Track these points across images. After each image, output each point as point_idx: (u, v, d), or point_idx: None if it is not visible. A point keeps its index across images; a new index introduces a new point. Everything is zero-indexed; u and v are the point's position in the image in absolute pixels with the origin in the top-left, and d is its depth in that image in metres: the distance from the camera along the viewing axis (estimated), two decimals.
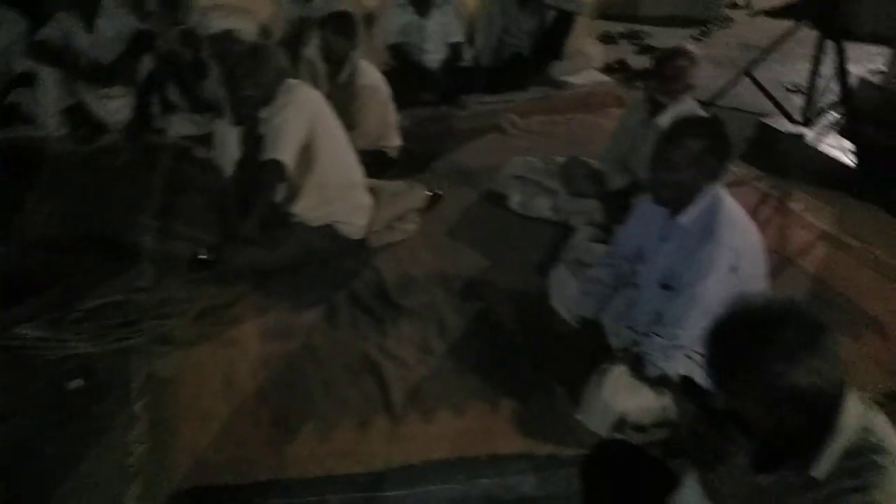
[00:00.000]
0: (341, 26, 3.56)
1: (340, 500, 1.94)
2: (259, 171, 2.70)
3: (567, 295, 2.52)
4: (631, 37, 6.86)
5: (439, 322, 2.68)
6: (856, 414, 1.13)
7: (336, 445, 2.11)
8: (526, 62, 4.96)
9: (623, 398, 2.06)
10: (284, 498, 1.94)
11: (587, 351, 2.35)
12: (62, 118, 4.11)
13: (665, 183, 2.05)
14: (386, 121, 3.75)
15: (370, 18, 4.93)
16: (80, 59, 4.11)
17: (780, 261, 3.11)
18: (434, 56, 4.80)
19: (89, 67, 4.11)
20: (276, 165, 2.66)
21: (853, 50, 5.06)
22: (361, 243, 3.08)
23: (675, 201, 2.09)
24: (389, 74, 4.63)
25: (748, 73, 4.23)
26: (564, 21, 4.92)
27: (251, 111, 2.87)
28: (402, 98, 4.54)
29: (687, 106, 2.87)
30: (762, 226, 3.38)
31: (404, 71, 4.72)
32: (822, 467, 1.11)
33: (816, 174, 3.84)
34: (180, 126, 4.15)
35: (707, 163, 2.00)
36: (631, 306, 2.33)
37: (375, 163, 3.68)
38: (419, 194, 3.36)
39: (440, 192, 3.58)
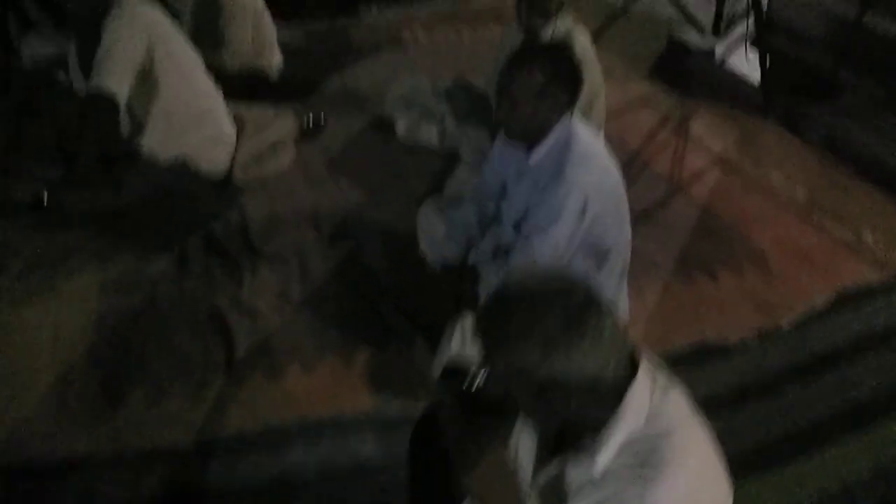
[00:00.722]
0: None
1: (161, 475, 1.79)
2: (86, 102, 2.38)
3: (434, 238, 2.34)
4: None
5: (302, 267, 2.49)
6: (642, 398, 1.00)
7: (166, 412, 1.95)
8: None
9: (471, 349, 1.92)
10: (100, 473, 1.78)
11: (451, 297, 2.20)
12: None
13: (509, 117, 1.84)
14: (261, 37, 3.38)
15: None
16: None
17: (671, 188, 2.98)
18: None
19: None
20: (103, 95, 2.34)
21: None
22: (224, 180, 2.82)
23: (525, 137, 1.89)
24: None
25: None
26: None
27: (85, 26, 2.51)
28: (292, 8, 4.20)
29: (564, 26, 2.61)
30: (658, 149, 3.28)
31: None
32: (602, 458, 0.99)
33: (723, 92, 3.68)
34: (39, 45, 3.69)
35: (552, 95, 1.79)
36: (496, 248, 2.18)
37: (252, 86, 3.37)
38: (289, 122, 3.08)
39: (322, 123, 3.31)
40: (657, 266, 2.57)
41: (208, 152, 2.71)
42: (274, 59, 3.50)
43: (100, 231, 2.55)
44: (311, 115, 3.30)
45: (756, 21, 3.62)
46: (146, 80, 2.51)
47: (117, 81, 2.36)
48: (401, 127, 3.21)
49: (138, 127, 2.60)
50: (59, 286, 2.35)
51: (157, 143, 2.63)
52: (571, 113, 1.86)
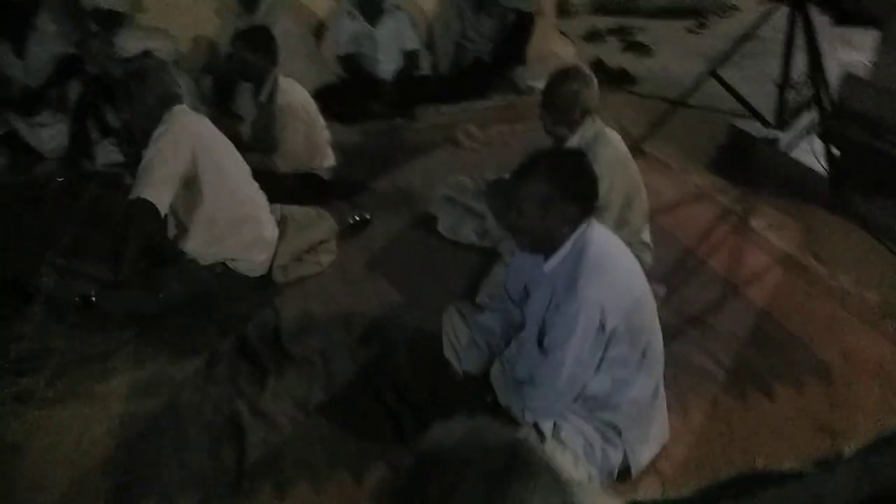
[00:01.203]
0: (256, 42, 3.32)
1: None
2: (127, 211, 2.49)
3: (457, 345, 2.25)
4: (620, 32, 6.48)
5: (327, 370, 2.44)
6: None
7: None
8: (487, 68, 4.66)
9: None
10: None
11: (474, 407, 2.08)
12: None
13: (516, 227, 1.77)
14: (313, 141, 3.50)
15: (321, 29, 4.70)
16: (10, 87, 3.98)
17: (726, 289, 2.77)
18: (387, 66, 4.54)
19: (20, 94, 3.97)
20: (143, 204, 2.44)
21: (841, 38, 4.64)
22: (263, 281, 2.85)
23: (535, 247, 1.81)
24: (340, 87, 4.48)
25: (713, 73, 3.84)
26: (524, 22, 4.61)
27: (140, 138, 2.67)
28: (353, 111, 4.37)
29: (592, 131, 2.54)
30: (715, 246, 3.09)
31: (356, 83, 4.50)
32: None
33: (787, 184, 3.46)
34: (112, 152, 3.99)
35: (559, 206, 1.70)
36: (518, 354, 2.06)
37: (302, 186, 3.47)
38: (331, 222, 3.12)
39: (367, 217, 3.35)
40: (706, 378, 2.35)
41: (247, 256, 2.77)
42: (326, 161, 3.60)
43: (139, 333, 2.62)
44: (356, 213, 3.35)
45: (821, 110, 3.44)
46: (190, 187, 2.62)
47: (156, 192, 2.46)
48: (443, 224, 3.19)
49: (182, 231, 2.70)
50: (91, 388, 2.39)
51: (200, 246, 2.71)
52: (587, 223, 1.77)
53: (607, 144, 2.51)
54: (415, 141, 4.25)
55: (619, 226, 2.55)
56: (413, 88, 4.54)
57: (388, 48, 4.51)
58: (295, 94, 3.39)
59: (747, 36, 3.82)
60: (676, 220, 3.29)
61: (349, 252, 3.14)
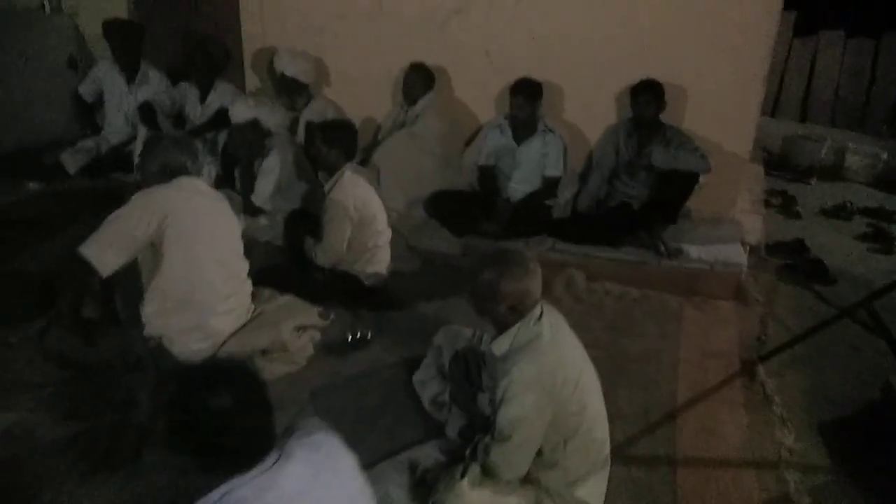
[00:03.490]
0: (335, 136, 3.29)
1: None
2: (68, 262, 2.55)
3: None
4: (876, 215, 5.15)
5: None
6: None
7: None
8: (631, 216, 3.99)
9: None
10: None
11: None
12: None
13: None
14: (361, 242, 3.31)
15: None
16: (186, 126, 4.55)
17: None
18: (520, 185, 4.17)
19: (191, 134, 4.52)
20: (81, 261, 2.47)
21: None
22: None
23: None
24: (465, 196, 4.23)
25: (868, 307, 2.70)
26: (685, 180, 3.86)
27: None
28: (464, 223, 4.08)
29: (525, 338, 2.02)
30: None
31: (483, 196, 4.22)
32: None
33: None
34: None
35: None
36: None
37: (335, 285, 3.31)
38: (304, 338, 2.89)
39: (367, 337, 3.04)
40: None
41: (183, 339, 2.65)
42: (371, 266, 3.38)
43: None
44: (359, 329, 3.07)
45: None
46: (155, 253, 2.61)
47: (100, 252, 2.48)
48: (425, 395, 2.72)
49: (139, 294, 2.69)
50: None
51: (151, 314, 2.68)
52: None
53: (533, 360, 1.89)
54: None
55: (545, 467, 1.97)
56: (538, 216, 4.09)
57: (526, 168, 4.15)
58: (352, 191, 3.25)
59: None
60: None
61: (321, 366, 2.87)
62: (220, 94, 4.50)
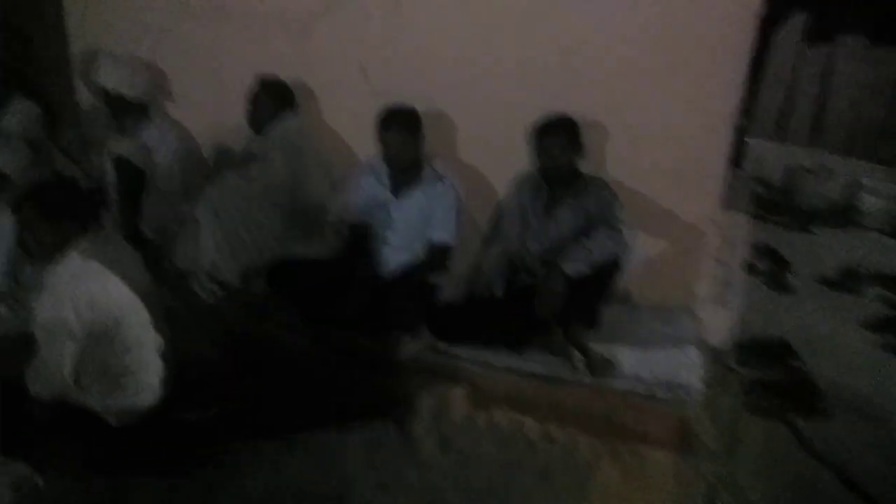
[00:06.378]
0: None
1: None
2: None
3: None
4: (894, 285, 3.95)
5: None
6: None
7: None
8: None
9: None
10: None
11: None
12: None
13: None
14: (98, 364, 2.18)
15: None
16: None
17: None
18: (395, 254, 3.01)
19: None
20: None
21: None
22: None
23: None
24: (322, 265, 3.07)
25: None
26: (603, 273, 2.65)
27: None
28: (322, 305, 2.93)
29: None
30: None
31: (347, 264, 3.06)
32: None
33: None
34: None
35: None
36: None
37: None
38: None
39: None
40: None
41: None
42: (121, 400, 2.24)
43: None
44: None
45: None
46: None
47: None
48: None
49: None
50: None
51: None
52: None
53: None
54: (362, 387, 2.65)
55: None
56: (415, 297, 2.92)
57: (405, 230, 2.99)
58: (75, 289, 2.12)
59: None
60: None
61: None
62: (15, 114, 3.36)
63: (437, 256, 2.99)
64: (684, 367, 2.71)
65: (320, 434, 2.46)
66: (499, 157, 3.11)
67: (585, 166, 2.79)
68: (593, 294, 2.68)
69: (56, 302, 2.12)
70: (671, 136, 2.84)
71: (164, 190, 3.43)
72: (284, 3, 3.22)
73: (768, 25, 3.13)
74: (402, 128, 2.87)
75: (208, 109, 3.58)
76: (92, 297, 2.13)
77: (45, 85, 3.81)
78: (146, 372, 2.30)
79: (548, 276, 2.61)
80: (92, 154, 3.66)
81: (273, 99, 3.19)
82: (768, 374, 3.00)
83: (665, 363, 2.72)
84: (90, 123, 3.85)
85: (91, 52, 3.66)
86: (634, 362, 2.72)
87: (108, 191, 3.36)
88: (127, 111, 3.48)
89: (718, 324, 3.01)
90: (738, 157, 4.16)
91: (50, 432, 2.20)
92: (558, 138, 2.68)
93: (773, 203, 5.30)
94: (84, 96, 3.86)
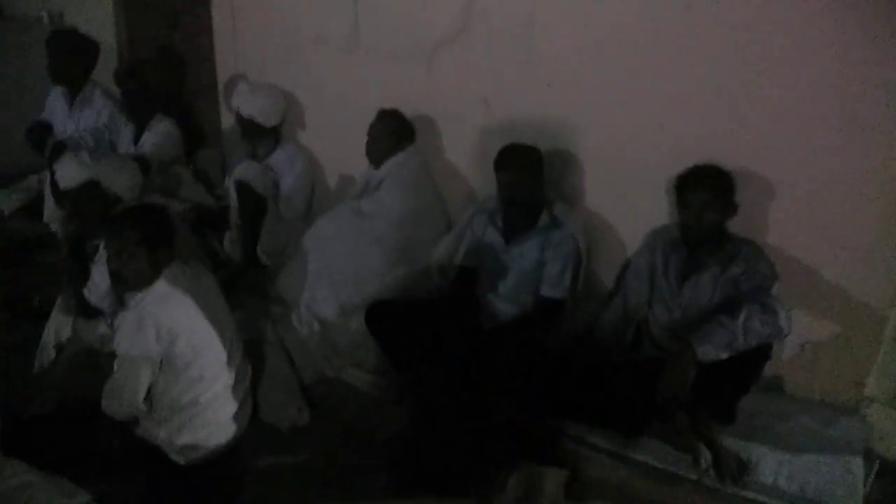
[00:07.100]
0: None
1: None
2: None
3: None
4: None
5: None
6: None
7: None
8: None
9: None
10: None
11: None
12: None
13: None
14: (171, 396, 2.09)
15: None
16: None
17: None
18: (504, 305, 2.71)
19: None
20: None
21: None
22: None
23: None
24: (423, 310, 2.84)
25: None
26: (749, 357, 2.14)
27: None
28: (415, 354, 2.71)
29: None
30: None
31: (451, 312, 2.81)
32: None
33: None
34: None
35: None
36: None
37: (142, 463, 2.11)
38: None
39: None
40: None
41: None
42: (188, 439, 2.13)
43: None
44: None
45: None
46: None
47: None
48: None
49: None
50: None
51: None
52: None
53: None
54: None
55: None
56: (519, 355, 2.60)
57: (516, 280, 2.70)
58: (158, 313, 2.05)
59: None
60: None
61: None
62: (154, 134, 3.51)
63: (547, 312, 2.67)
64: (842, 482, 2.15)
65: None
66: (632, 207, 2.72)
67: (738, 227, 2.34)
68: (732, 384, 2.21)
69: (139, 325, 2.06)
70: (843, 190, 2.31)
71: (284, 216, 3.41)
72: (415, 33, 3.08)
73: None
74: (518, 168, 2.60)
75: (336, 140, 3.54)
76: (174, 324, 2.06)
77: (193, 108, 3.98)
78: (217, 409, 2.18)
79: (676, 354, 2.19)
80: (227, 176, 3.74)
81: (391, 132, 3.05)
82: None
83: (816, 473, 2.18)
84: (231, 146, 3.98)
85: (234, 79, 3.78)
86: (776, 468, 2.21)
87: (230, 214, 3.40)
88: (259, 136, 3.51)
89: (893, 431, 2.38)
90: None
91: (116, 463, 2.14)
92: (705, 193, 2.25)
93: None
94: (227, 120, 3.98)
